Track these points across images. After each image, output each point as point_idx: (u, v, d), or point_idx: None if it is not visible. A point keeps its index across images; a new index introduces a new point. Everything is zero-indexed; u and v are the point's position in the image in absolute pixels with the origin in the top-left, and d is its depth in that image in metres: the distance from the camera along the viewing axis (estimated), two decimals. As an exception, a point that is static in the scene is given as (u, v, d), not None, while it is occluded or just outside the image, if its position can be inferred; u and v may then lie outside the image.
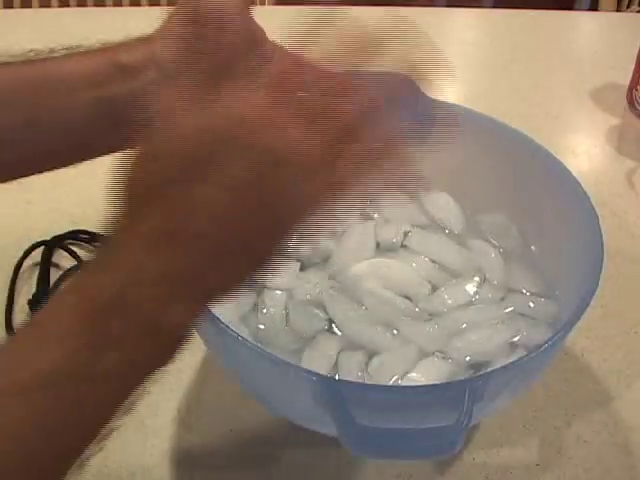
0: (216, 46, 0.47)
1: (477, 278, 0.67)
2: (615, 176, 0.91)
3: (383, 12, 1.28)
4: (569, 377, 0.69)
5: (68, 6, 1.44)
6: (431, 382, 0.59)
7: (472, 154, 0.71)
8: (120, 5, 1.49)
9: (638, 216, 0.86)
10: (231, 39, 0.49)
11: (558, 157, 0.66)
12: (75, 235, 0.79)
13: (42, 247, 0.77)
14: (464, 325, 0.64)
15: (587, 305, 0.54)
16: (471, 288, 0.67)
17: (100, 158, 0.90)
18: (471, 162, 0.71)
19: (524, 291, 0.67)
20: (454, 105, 0.80)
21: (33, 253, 0.77)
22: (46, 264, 0.76)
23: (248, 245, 0.36)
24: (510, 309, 0.65)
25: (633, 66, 1.03)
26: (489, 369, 0.58)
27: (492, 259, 0.70)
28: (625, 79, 1.06)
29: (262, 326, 0.63)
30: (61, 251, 0.78)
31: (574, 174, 0.65)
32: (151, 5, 1.48)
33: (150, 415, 0.64)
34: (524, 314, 0.65)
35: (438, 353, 0.61)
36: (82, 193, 0.86)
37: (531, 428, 0.65)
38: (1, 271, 0.76)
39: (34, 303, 0.72)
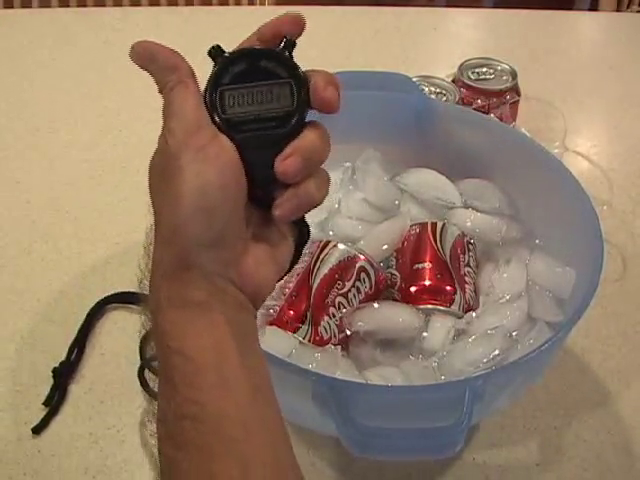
0: None
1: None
2: (615, 176, 0.91)
3: (383, 12, 1.26)
4: (569, 377, 0.69)
5: (68, 6, 1.44)
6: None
7: (472, 152, 0.71)
8: (120, 5, 1.49)
9: (638, 216, 0.86)
10: None
11: (558, 157, 0.66)
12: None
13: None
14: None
15: (587, 305, 0.54)
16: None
17: (99, 161, 0.90)
18: (471, 161, 0.71)
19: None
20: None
21: (34, 253, 0.77)
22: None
23: None
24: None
25: (633, 66, 1.02)
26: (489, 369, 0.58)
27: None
28: (624, 79, 1.06)
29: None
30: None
31: (574, 174, 0.65)
32: (151, 5, 1.48)
33: (149, 415, 0.64)
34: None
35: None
36: (82, 193, 0.86)
37: (531, 428, 0.65)
38: (2, 269, 0.76)
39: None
